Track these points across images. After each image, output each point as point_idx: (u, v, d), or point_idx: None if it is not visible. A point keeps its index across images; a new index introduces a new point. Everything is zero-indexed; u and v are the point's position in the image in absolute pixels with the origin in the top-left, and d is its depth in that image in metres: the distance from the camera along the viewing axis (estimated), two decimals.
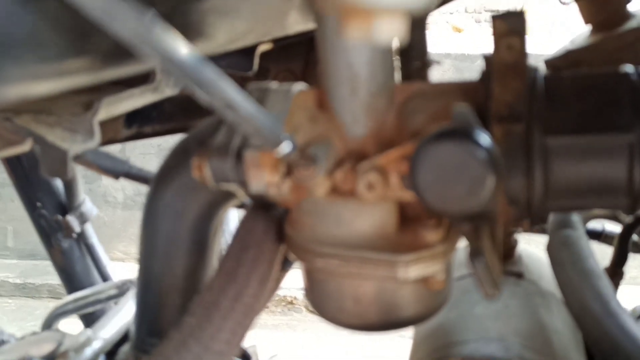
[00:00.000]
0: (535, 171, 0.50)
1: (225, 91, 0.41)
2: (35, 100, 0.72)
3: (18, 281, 3.70)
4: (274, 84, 0.60)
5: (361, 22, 0.29)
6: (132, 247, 3.74)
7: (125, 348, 0.79)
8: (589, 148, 0.49)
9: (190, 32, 0.51)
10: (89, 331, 0.75)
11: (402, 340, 2.96)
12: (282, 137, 0.47)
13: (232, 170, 0.55)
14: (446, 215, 0.48)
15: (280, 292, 3.39)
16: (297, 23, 0.72)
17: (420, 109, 0.55)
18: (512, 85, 0.51)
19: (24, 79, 0.37)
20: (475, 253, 0.46)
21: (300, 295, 3.42)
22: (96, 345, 0.73)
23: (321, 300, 0.60)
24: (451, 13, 4.93)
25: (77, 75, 0.41)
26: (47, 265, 3.81)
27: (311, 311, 3.46)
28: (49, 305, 3.16)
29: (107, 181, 3.79)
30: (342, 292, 0.58)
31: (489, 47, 0.53)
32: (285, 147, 0.48)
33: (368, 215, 0.54)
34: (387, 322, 0.58)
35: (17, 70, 0.36)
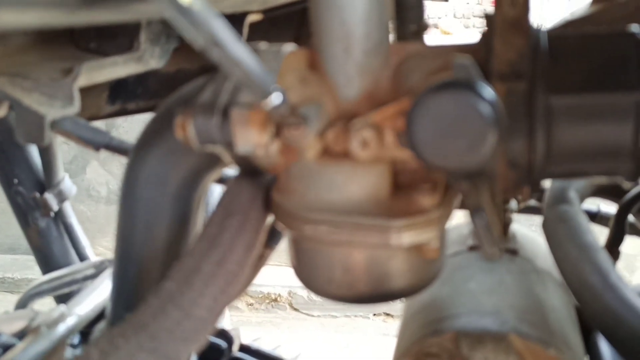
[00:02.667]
0: (537, 132, 0.48)
1: (216, 28, 0.38)
2: (12, 64, 0.69)
3: None
4: (263, 44, 0.58)
5: None
6: None
7: (101, 326, 0.75)
8: (594, 108, 0.47)
9: None
10: (62, 307, 0.71)
11: (387, 340, 2.94)
12: (273, 88, 0.45)
13: (218, 129, 0.52)
14: (444, 171, 0.46)
15: (264, 289, 3.36)
16: None
17: (417, 68, 0.52)
18: (514, 42, 0.48)
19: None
20: (475, 210, 0.43)
21: (284, 292, 3.39)
22: (70, 321, 0.69)
23: (309, 271, 0.58)
24: (440, 17, 4.95)
25: (50, 10, 0.38)
26: (27, 260, 3.76)
27: (295, 309, 3.43)
28: None
29: (90, 175, 3.73)
30: (332, 261, 0.55)
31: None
32: (276, 99, 0.45)
33: (361, 178, 0.52)
34: (377, 294, 0.55)
35: None
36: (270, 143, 0.52)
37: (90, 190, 3.77)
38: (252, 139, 0.51)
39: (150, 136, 0.63)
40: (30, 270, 3.62)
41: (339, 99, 0.53)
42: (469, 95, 0.42)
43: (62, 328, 0.68)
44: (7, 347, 0.68)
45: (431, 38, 0.67)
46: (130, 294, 0.68)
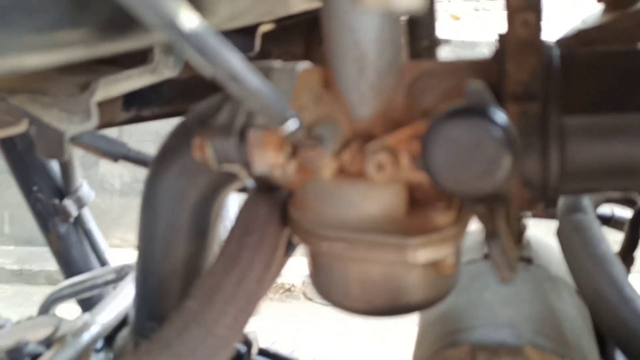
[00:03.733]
0: (551, 152, 0.48)
1: (232, 63, 0.39)
2: (30, 80, 0.70)
3: (15, 267, 3.68)
4: (277, 63, 0.58)
5: None
6: (130, 234, 3.72)
7: (124, 333, 0.77)
8: (608, 128, 0.47)
9: (191, 5, 0.49)
10: (86, 316, 0.73)
11: (400, 329, 2.96)
12: (289, 114, 0.46)
13: (235, 150, 0.53)
14: (460, 196, 0.46)
15: (278, 280, 3.38)
16: (300, 2, 0.70)
17: (431, 88, 0.53)
18: (527, 63, 0.49)
19: (15, 50, 0.35)
20: (491, 235, 0.44)
21: (298, 282, 3.41)
22: (94, 329, 0.71)
23: (326, 285, 0.59)
24: (449, 1, 4.90)
25: (72, 48, 0.39)
26: (45, 252, 3.80)
27: (309, 299, 3.45)
28: (46, 292, 3.16)
29: (104, 168, 3.76)
30: (348, 276, 0.56)
31: (488, 34, 0.51)
32: (292, 125, 0.46)
33: (376, 197, 0.53)
34: (394, 307, 0.56)
35: (8, 40, 0.34)
36: (286, 163, 0.52)
37: (104, 183, 3.81)
38: (269, 159, 0.52)
39: (168, 152, 0.64)
40: (47, 262, 3.66)
41: (353, 117, 0.54)
42: (482, 121, 0.43)
43: (86, 337, 0.69)
44: (34, 356, 0.70)
45: (441, 23, 0.67)
46: (152, 304, 0.69)
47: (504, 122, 0.43)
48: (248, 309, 0.54)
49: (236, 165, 0.55)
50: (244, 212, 0.59)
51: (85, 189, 1.07)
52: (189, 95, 0.94)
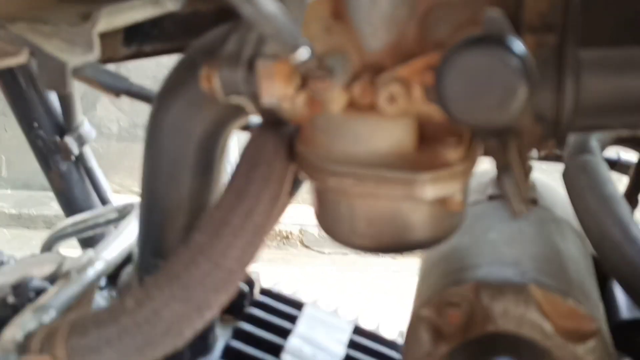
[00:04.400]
0: (566, 86, 0.47)
1: None
2: (31, 7, 0.68)
3: (13, 211, 3.69)
4: None
5: None
6: (128, 179, 3.72)
7: (128, 269, 0.77)
8: (625, 61, 0.46)
9: None
10: (90, 252, 0.73)
11: (398, 276, 3.00)
12: (301, 41, 0.44)
13: (243, 81, 0.52)
14: (474, 128, 0.46)
15: (276, 226, 3.40)
16: None
17: (445, 18, 0.51)
18: None
19: None
20: (504, 169, 0.44)
21: (295, 230, 3.44)
22: (98, 266, 0.71)
23: (332, 222, 0.58)
24: None
25: None
26: (43, 196, 3.80)
27: (306, 246, 3.49)
28: (45, 236, 3.18)
29: (101, 112, 3.74)
30: (355, 213, 0.56)
31: None
32: (303, 53, 0.45)
33: (386, 131, 0.52)
34: (399, 244, 0.56)
35: None
36: (295, 95, 0.51)
37: (102, 127, 3.78)
38: (277, 91, 0.51)
39: (173, 85, 0.62)
40: (45, 207, 3.68)
41: (364, 49, 0.53)
42: (499, 51, 0.42)
43: (91, 272, 0.69)
44: (39, 291, 0.70)
45: None
46: (157, 240, 0.69)
47: (521, 51, 0.42)
48: (255, 243, 0.53)
49: (244, 98, 0.54)
50: (251, 146, 0.58)
51: (86, 126, 1.06)
52: (191, 30, 0.91)
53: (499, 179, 0.45)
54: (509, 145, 0.45)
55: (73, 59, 0.65)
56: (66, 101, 1.03)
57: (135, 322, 0.50)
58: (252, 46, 0.53)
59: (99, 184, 1.11)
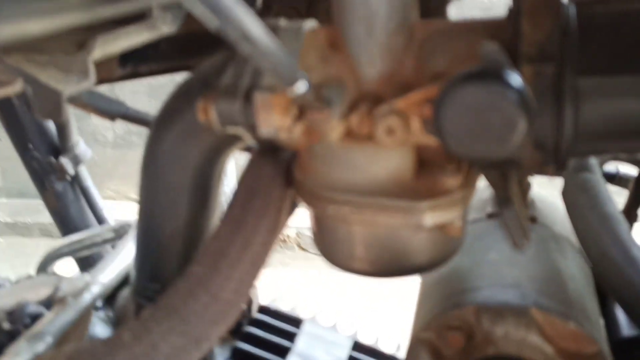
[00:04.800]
0: (565, 114, 0.47)
1: (244, 21, 0.37)
2: (26, 39, 0.68)
3: (8, 220, 3.68)
4: (283, 21, 0.56)
5: None
6: (123, 186, 3.71)
7: (125, 292, 0.77)
8: (623, 89, 0.46)
9: None
10: (87, 276, 0.73)
11: (395, 280, 3.00)
12: (299, 74, 0.44)
13: (241, 112, 0.52)
14: (473, 162, 0.46)
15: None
16: None
17: (442, 49, 0.51)
18: (543, 23, 0.47)
19: (18, 16, 0.33)
20: (504, 202, 0.44)
21: (292, 233, 3.43)
22: (95, 289, 0.71)
23: (331, 247, 0.58)
24: None
25: (74, 12, 0.37)
26: (38, 204, 3.77)
27: (303, 249, 3.48)
28: (41, 244, 3.16)
29: (96, 120, 3.71)
30: (354, 239, 0.56)
31: None
32: (301, 86, 0.45)
33: (384, 160, 0.52)
34: (399, 269, 0.56)
35: (11, 7, 0.32)
36: (293, 126, 0.51)
37: (97, 134, 3.77)
38: (275, 122, 0.51)
39: (170, 113, 0.62)
40: (41, 215, 3.66)
41: (362, 78, 0.53)
42: (497, 85, 0.42)
43: (87, 297, 0.69)
44: (35, 317, 0.70)
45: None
46: (154, 266, 0.69)
47: (519, 85, 0.42)
48: (253, 273, 0.53)
49: (240, 128, 0.54)
50: (248, 175, 0.58)
51: (81, 146, 1.06)
52: (187, 51, 0.91)
53: (500, 212, 0.44)
54: (509, 177, 0.45)
55: (68, 87, 0.65)
56: (61, 122, 1.02)
57: (133, 356, 0.50)
58: (249, 78, 0.52)
59: (95, 203, 1.10)
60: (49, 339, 0.62)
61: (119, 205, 1.05)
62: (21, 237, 3.65)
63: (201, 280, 0.51)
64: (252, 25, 0.39)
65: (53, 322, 0.64)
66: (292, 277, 3.02)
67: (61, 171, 1.02)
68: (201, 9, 0.37)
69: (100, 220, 1.10)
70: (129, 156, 3.74)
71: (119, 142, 3.81)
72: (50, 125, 1.03)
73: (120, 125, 3.76)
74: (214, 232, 0.54)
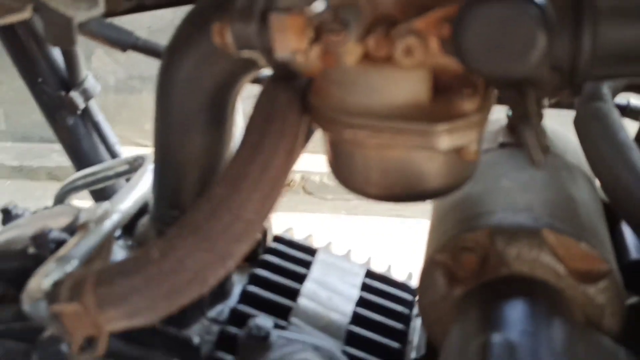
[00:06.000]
0: (584, 34, 0.47)
1: None
2: None
3: (14, 163, 3.70)
4: None
5: None
6: (127, 131, 3.69)
7: (144, 220, 0.79)
8: None
9: None
10: (106, 204, 0.74)
11: (400, 221, 3.04)
12: None
13: (256, 35, 0.52)
14: (492, 80, 0.46)
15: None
16: None
17: None
18: None
19: None
20: (523, 119, 0.44)
21: (297, 177, 3.45)
22: (115, 217, 0.72)
23: (346, 172, 0.59)
24: None
25: None
26: (43, 149, 3.78)
27: (309, 192, 3.51)
28: (49, 187, 3.18)
29: (97, 64, 3.68)
30: (370, 163, 0.57)
31: None
32: (318, 5, 0.45)
33: (402, 83, 0.52)
34: (414, 193, 0.57)
35: None
36: (309, 49, 0.51)
37: (98, 79, 3.72)
38: (291, 45, 0.51)
39: (184, 39, 0.62)
40: (46, 159, 3.69)
41: (377, 1, 0.52)
42: (518, 1, 0.41)
43: (108, 224, 0.70)
44: (59, 242, 0.72)
45: None
46: (172, 192, 0.71)
47: (540, 1, 0.42)
48: (272, 195, 0.54)
49: (256, 52, 0.54)
50: (264, 100, 0.58)
51: (91, 80, 1.06)
52: None
53: (518, 129, 0.45)
54: (527, 96, 0.45)
55: (78, 14, 0.65)
56: (69, 56, 1.02)
57: (161, 271, 0.52)
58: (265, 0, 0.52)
59: (107, 137, 1.11)
60: (75, 262, 0.63)
61: (124, 150, 1.06)
62: (28, 180, 3.68)
63: (223, 200, 0.52)
64: None
65: (78, 246, 0.65)
66: (298, 222, 3.06)
67: (71, 105, 1.03)
68: None
69: (113, 154, 1.11)
70: (131, 100, 3.72)
71: (120, 86, 3.79)
72: (59, 60, 1.03)
73: (121, 70, 3.73)
74: (233, 156, 0.55)
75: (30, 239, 0.72)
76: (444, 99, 0.53)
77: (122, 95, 3.81)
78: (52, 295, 0.58)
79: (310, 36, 0.51)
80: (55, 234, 0.72)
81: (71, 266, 0.63)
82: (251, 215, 0.52)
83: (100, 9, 0.65)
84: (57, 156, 3.70)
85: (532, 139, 0.45)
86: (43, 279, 0.60)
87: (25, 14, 0.68)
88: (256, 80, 0.72)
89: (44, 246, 0.72)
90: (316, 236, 1.00)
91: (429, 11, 0.49)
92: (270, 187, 0.54)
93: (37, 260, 0.68)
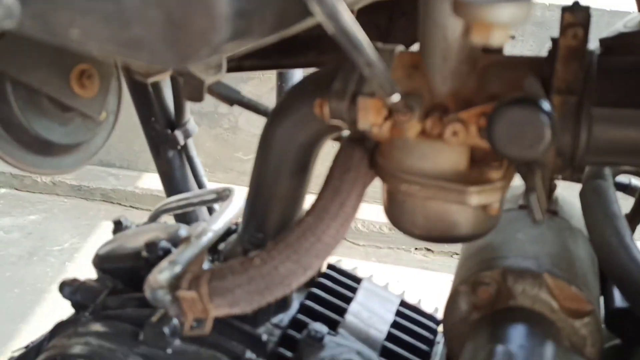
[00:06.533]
0: (581, 133, 0.66)
1: (366, 48, 0.55)
2: None
3: (74, 183, 3.94)
4: (380, 44, 0.76)
5: (484, 32, 0.46)
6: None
7: (230, 240, 0.98)
8: (627, 118, 0.65)
9: None
10: (204, 223, 0.94)
11: (426, 273, 3.17)
12: (395, 89, 0.64)
13: (347, 110, 0.71)
14: (511, 159, 0.65)
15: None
16: None
17: (497, 76, 0.70)
18: (572, 67, 0.66)
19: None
20: (530, 189, 0.63)
21: None
22: (210, 234, 0.91)
23: (398, 215, 0.77)
24: None
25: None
26: (101, 171, 4.02)
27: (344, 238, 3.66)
28: (102, 208, 3.40)
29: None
30: (417, 210, 0.75)
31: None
32: (395, 97, 0.65)
33: (447, 154, 0.71)
34: (448, 237, 0.75)
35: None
36: (383, 123, 0.71)
37: None
38: (370, 120, 0.70)
39: (287, 106, 0.83)
40: (102, 181, 3.92)
41: (435, 93, 0.71)
42: (534, 110, 0.61)
43: (205, 239, 0.89)
44: (166, 251, 0.92)
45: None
46: (260, 219, 0.90)
47: (549, 110, 0.61)
48: (345, 226, 0.73)
49: (343, 122, 0.74)
50: (343, 155, 0.77)
51: (192, 123, 1.28)
52: (286, 51, 1.11)
53: (526, 196, 0.64)
54: (535, 173, 0.64)
55: (208, 77, 0.86)
56: (178, 101, 1.24)
57: (261, 274, 0.71)
58: (354, 85, 0.72)
59: (198, 171, 1.32)
60: (180, 266, 0.82)
61: None
62: (84, 200, 3.93)
63: (310, 227, 0.71)
64: (370, 50, 0.57)
65: (183, 254, 0.84)
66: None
67: (174, 141, 1.25)
68: (340, 39, 0.55)
69: (200, 185, 1.32)
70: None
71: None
72: (169, 104, 1.25)
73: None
74: (319, 194, 0.75)
75: (145, 245, 0.92)
76: (477, 167, 0.71)
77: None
78: (174, 285, 0.77)
79: (385, 115, 0.70)
80: (164, 244, 0.92)
81: (178, 268, 0.82)
82: (329, 239, 0.72)
83: (223, 73, 0.86)
84: (113, 179, 3.97)
85: (535, 203, 0.64)
86: (159, 275, 0.80)
87: (167, 75, 0.90)
88: (336, 139, 0.92)
89: (154, 252, 0.92)
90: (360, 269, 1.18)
91: (471, 106, 0.68)
92: (344, 220, 0.73)
93: (147, 263, 0.88)
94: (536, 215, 0.64)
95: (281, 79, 1.38)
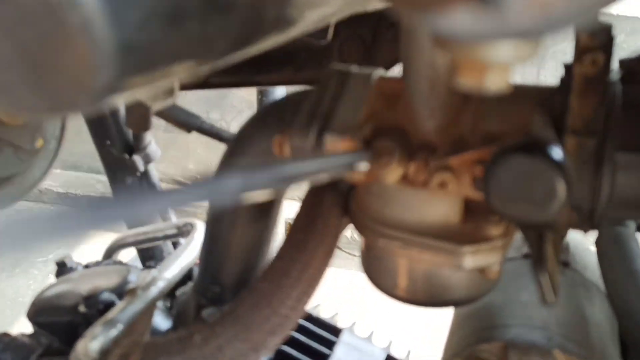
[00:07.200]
0: (602, 184, 0.52)
1: None
2: None
3: (61, 190, 3.84)
4: (354, 68, 0.63)
5: (475, 74, 0.32)
6: (171, 169, 3.82)
7: (186, 289, 0.85)
8: None
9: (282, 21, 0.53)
10: (154, 271, 0.81)
11: None
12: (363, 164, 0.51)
13: (311, 149, 0.59)
14: (514, 222, 0.51)
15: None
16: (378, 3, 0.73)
17: (497, 110, 0.57)
18: (591, 101, 0.52)
19: None
20: (538, 262, 0.49)
21: None
22: (161, 284, 0.79)
23: (377, 273, 0.65)
24: None
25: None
26: (89, 178, 3.90)
27: (338, 247, 3.54)
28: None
29: None
30: (399, 270, 0.62)
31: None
32: (363, 167, 0.52)
33: (435, 205, 0.58)
34: (437, 301, 0.62)
35: None
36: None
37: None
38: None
39: (245, 138, 0.70)
40: (91, 188, 3.82)
41: (421, 129, 0.58)
42: (542, 160, 0.47)
43: (154, 291, 0.77)
44: (108, 304, 0.79)
45: None
46: (216, 270, 0.77)
47: (561, 160, 0.48)
48: (308, 292, 0.60)
49: None
50: (309, 202, 0.65)
51: (153, 146, 1.15)
52: (256, 67, 0.99)
53: (534, 270, 0.50)
54: (545, 240, 0.51)
55: (156, 104, 0.73)
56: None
57: (202, 356, 0.58)
58: (321, 121, 0.59)
59: None
60: (120, 326, 0.70)
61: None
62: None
63: (265, 295, 0.58)
64: None
65: (124, 311, 0.72)
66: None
67: (132, 167, 1.12)
68: None
69: (164, 217, 1.19)
70: (178, 140, 3.86)
71: (170, 127, 3.93)
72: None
73: None
74: (278, 252, 0.61)
75: (83, 299, 0.79)
76: (472, 222, 0.58)
77: (171, 134, 3.95)
78: (107, 352, 0.64)
79: None
80: (106, 296, 0.79)
81: (116, 330, 0.69)
82: (287, 311, 0.58)
83: (175, 98, 0.73)
84: (101, 187, 3.84)
85: (545, 281, 0.50)
86: (90, 343, 0.67)
87: (115, 102, 0.77)
88: None
89: (94, 306, 0.79)
90: (342, 312, 1.05)
91: (464, 147, 0.55)
92: (308, 285, 0.60)
93: (86, 318, 0.75)
94: (547, 297, 0.50)
95: (262, 92, 1.25)
